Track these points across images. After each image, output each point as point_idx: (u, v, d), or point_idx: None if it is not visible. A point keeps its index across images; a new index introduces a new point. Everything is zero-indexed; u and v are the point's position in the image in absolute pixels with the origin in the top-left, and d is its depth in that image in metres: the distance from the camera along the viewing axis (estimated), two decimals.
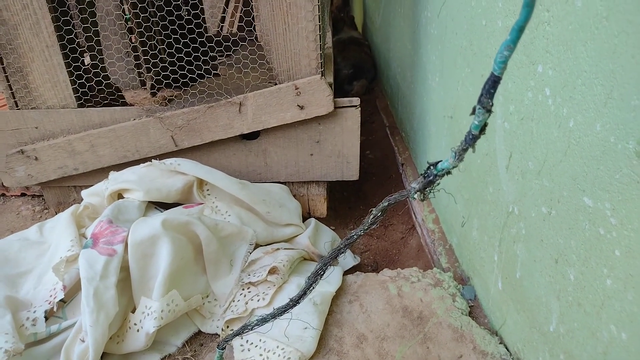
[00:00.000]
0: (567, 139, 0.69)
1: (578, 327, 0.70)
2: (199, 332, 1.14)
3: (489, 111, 0.44)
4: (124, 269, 1.09)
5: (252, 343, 1.04)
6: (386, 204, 0.60)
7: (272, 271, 1.16)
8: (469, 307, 1.12)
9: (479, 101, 0.44)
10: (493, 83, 0.43)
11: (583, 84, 0.64)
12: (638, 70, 0.53)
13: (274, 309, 0.70)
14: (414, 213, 1.59)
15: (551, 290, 0.77)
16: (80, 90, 1.37)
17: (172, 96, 1.50)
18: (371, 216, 0.61)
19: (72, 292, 1.10)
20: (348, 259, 1.41)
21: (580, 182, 0.67)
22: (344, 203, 1.79)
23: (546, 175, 0.76)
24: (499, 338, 1.02)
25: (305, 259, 1.31)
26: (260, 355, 1.01)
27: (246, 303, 1.11)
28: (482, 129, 0.46)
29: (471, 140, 0.47)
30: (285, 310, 0.69)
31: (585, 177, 0.65)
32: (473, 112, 0.45)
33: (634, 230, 0.56)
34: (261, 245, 1.31)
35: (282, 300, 1.12)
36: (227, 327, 1.10)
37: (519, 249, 0.89)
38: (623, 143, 0.57)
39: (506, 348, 0.99)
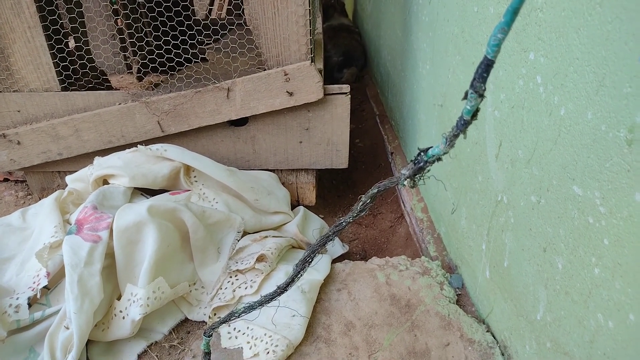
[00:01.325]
0: (558, 127, 0.69)
1: (565, 315, 0.70)
2: (186, 320, 1.13)
3: (482, 96, 0.43)
4: (109, 255, 1.07)
5: (239, 330, 1.03)
6: (375, 190, 0.59)
7: (260, 259, 1.15)
8: (457, 295, 1.13)
9: (472, 85, 0.43)
10: (486, 67, 0.42)
11: (575, 71, 0.63)
12: (631, 57, 0.53)
13: (262, 297, 0.69)
14: (403, 202, 1.59)
15: (539, 278, 0.78)
16: (64, 73, 1.33)
17: (159, 81, 1.47)
18: (360, 203, 0.60)
19: (56, 278, 1.08)
20: (337, 247, 1.40)
21: (570, 171, 0.66)
22: (333, 191, 1.79)
23: (536, 163, 0.76)
24: (486, 326, 1.02)
25: (293, 247, 1.31)
26: (248, 342, 1.00)
27: (233, 291, 1.11)
28: (474, 114, 0.45)
29: (462, 125, 0.46)
30: (272, 298, 0.68)
31: (575, 166, 0.65)
32: (465, 97, 0.44)
33: (623, 219, 0.56)
34: (249, 233, 1.30)
35: (269, 288, 1.11)
36: (214, 314, 1.09)
37: (507, 238, 0.89)
38: (614, 131, 0.56)
39: (493, 336, 0.99)
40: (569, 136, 0.66)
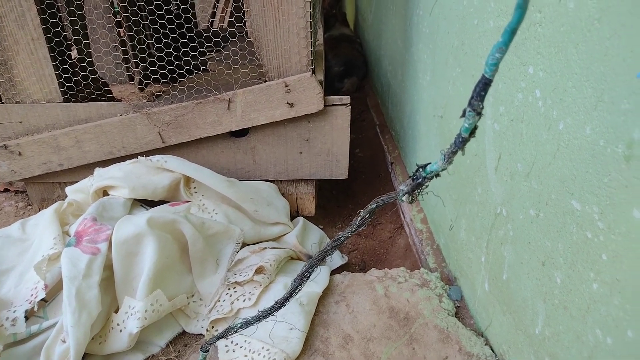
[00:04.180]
0: (557, 141, 0.69)
1: (564, 330, 0.70)
2: (184, 332, 1.12)
3: (480, 114, 0.43)
4: (108, 267, 1.07)
5: (236, 344, 1.03)
6: (374, 205, 0.59)
7: (259, 271, 1.15)
8: (455, 307, 1.12)
9: (470, 104, 0.43)
10: (484, 85, 0.42)
11: (574, 86, 0.64)
12: (629, 73, 0.53)
13: (259, 312, 0.69)
14: (402, 212, 1.59)
15: (537, 292, 0.77)
16: (66, 84, 1.34)
17: (160, 91, 1.48)
18: (359, 218, 0.60)
19: (54, 291, 1.08)
20: (336, 259, 1.40)
21: (568, 185, 0.66)
22: (333, 201, 1.79)
23: (535, 177, 0.76)
24: (484, 339, 1.01)
25: (292, 259, 1.30)
26: (245, 356, 1.00)
27: (232, 303, 1.10)
28: (472, 131, 0.45)
29: (461, 143, 0.46)
30: (270, 313, 0.68)
31: (574, 180, 0.65)
32: (463, 115, 0.44)
33: (622, 235, 0.56)
34: (248, 244, 1.29)
35: (268, 300, 1.11)
36: (212, 327, 1.09)
37: (506, 251, 0.88)
38: (612, 147, 0.56)
39: (492, 349, 0.99)
40: (568, 150, 0.66)
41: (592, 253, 0.62)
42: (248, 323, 0.70)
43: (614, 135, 0.56)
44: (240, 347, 1.02)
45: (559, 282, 0.70)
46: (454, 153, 0.48)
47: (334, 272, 1.26)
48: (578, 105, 0.63)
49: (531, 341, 0.80)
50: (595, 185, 0.60)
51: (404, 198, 0.55)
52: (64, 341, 0.98)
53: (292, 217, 1.47)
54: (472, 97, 0.44)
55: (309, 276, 0.64)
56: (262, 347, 0.99)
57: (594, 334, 0.62)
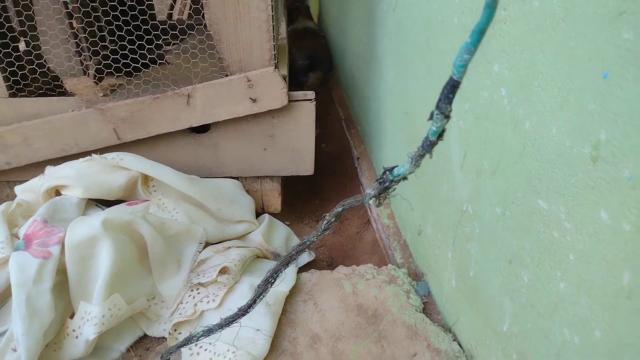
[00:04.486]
0: (523, 140, 0.68)
1: (531, 328, 0.70)
2: (145, 336, 1.08)
3: (448, 117, 0.42)
4: (61, 272, 1.01)
5: (201, 347, 0.99)
6: (340, 209, 0.57)
7: (223, 271, 1.11)
8: (423, 303, 1.12)
9: (437, 106, 0.42)
10: (452, 88, 0.40)
11: (539, 85, 0.63)
12: (595, 74, 0.52)
13: (221, 319, 0.66)
14: (369, 208, 1.58)
15: (505, 290, 0.77)
16: (12, 78, 1.26)
17: (116, 85, 1.41)
18: (324, 222, 0.58)
19: (3, 297, 1.02)
20: (303, 256, 1.38)
21: (535, 185, 0.66)
22: (299, 197, 1.76)
23: (501, 175, 0.76)
24: (452, 335, 1.02)
25: (258, 257, 1.27)
26: (210, 359, 0.96)
27: (195, 305, 1.06)
28: (440, 135, 0.44)
29: (428, 146, 0.45)
30: (233, 320, 0.65)
31: (540, 180, 0.65)
32: (431, 118, 0.43)
33: (589, 235, 0.56)
34: (212, 244, 1.26)
35: (233, 301, 1.08)
36: (175, 330, 1.05)
37: (473, 248, 0.88)
38: (579, 147, 0.56)
39: (460, 345, 0.99)
40: (534, 150, 0.66)
41: (559, 253, 0.62)
42: (210, 331, 0.67)
43: (580, 136, 0.56)
44: (205, 350, 0.98)
45: (526, 281, 0.70)
46: (422, 156, 0.47)
47: (301, 270, 1.24)
48: (544, 104, 0.62)
49: (499, 338, 0.80)
50: (561, 185, 0.60)
51: (370, 201, 0.53)
52: (14, 350, 0.92)
53: (258, 214, 1.44)
54: (439, 100, 0.42)
55: (274, 282, 0.61)
56: (228, 350, 0.96)
57: (562, 333, 0.62)
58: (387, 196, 0.52)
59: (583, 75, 0.54)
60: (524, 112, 0.67)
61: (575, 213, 0.58)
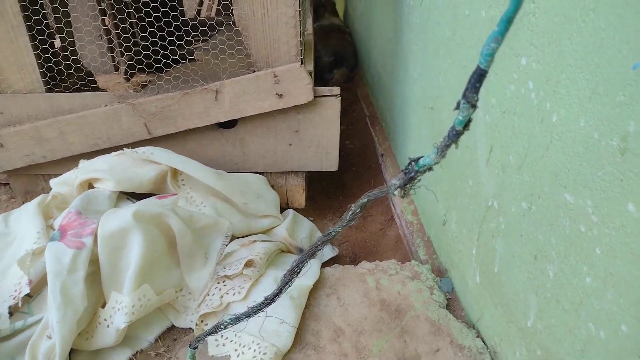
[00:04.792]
0: (550, 133, 0.68)
1: (556, 323, 0.70)
2: (172, 327, 1.11)
3: (474, 106, 0.42)
4: (94, 262, 1.05)
5: (226, 338, 1.01)
6: (365, 200, 0.57)
7: (249, 264, 1.13)
8: (447, 300, 1.12)
9: (464, 95, 0.42)
10: (479, 77, 0.41)
11: (567, 78, 0.63)
12: (625, 65, 0.52)
13: (248, 307, 0.68)
14: (393, 204, 1.58)
15: (529, 285, 0.77)
16: (49, 74, 1.30)
17: (146, 81, 1.45)
18: (350, 212, 0.59)
19: (39, 286, 1.06)
20: (326, 251, 1.39)
21: (561, 178, 0.66)
22: (323, 193, 1.77)
23: (527, 170, 0.75)
24: (475, 331, 1.01)
25: (282, 251, 1.29)
26: (235, 350, 0.99)
27: (221, 297, 1.09)
28: (466, 124, 0.44)
29: (454, 136, 0.45)
30: (260, 309, 0.67)
31: (567, 173, 0.64)
32: (457, 107, 0.43)
33: (616, 229, 0.55)
34: (238, 237, 1.28)
35: (258, 293, 1.10)
36: (202, 321, 1.08)
37: (498, 244, 0.88)
38: (607, 140, 0.55)
39: (483, 342, 0.98)
40: (561, 143, 0.65)
41: (585, 247, 0.61)
42: (237, 319, 0.68)
43: (608, 128, 0.55)
44: (231, 342, 1.01)
45: (551, 276, 0.69)
46: (448, 146, 0.47)
47: (324, 265, 1.25)
48: (572, 97, 0.62)
49: (523, 334, 0.80)
50: (589, 178, 0.59)
51: (395, 192, 0.54)
52: (49, 337, 0.96)
53: (282, 210, 1.46)
54: (466, 89, 0.42)
55: (299, 272, 0.63)
56: (253, 341, 0.98)
57: (587, 328, 0.62)
58: (413, 187, 0.53)
59: (612, 67, 0.54)
60: (551, 105, 0.67)
61: (602, 206, 0.57)
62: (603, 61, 0.55)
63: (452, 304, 1.12)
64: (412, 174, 0.51)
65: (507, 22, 0.37)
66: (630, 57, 0.51)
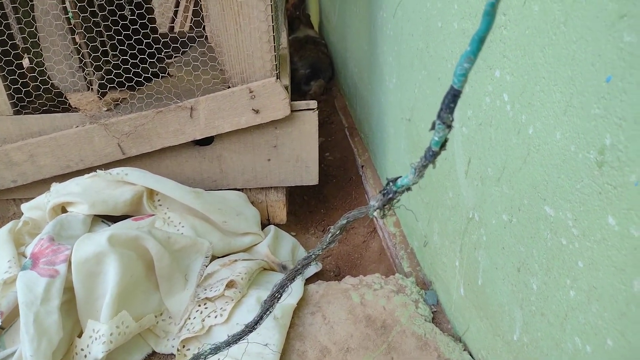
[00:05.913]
0: (527, 146, 0.67)
1: (542, 337, 0.69)
2: (153, 353, 1.07)
3: (450, 126, 0.41)
4: (69, 290, 1.01)
5: None
6: (344, 221, 0.56)
7: (230, 285, 1.11)
8: (432, 312, 1.11)
9: (439, 116, 0.41)
10: (453, 97, 0.40)
11: (542, 90, 0.62)
12: (598, 78, 0.52)
13: (228, 336, 0.65)
14: (375, 216, 1.57)
15: (514, 298, 0.76)
16: (16, 95, 1.27)
17: (120, 99, 1.42)
18: (329, 234, 0.58)
19: (11, 317, 1.02)
20: (310, 267, 1.36)
21: (541, 191, 0.65)
22: (305, 207, 1.75)
23: (506, 182, 0.75)
24: (463, 344, 1.00)
25: (265, 269, 1.27)
26: None
27: (203, 320, 1.06)
28: (443, 144, 0.43)
29: (431, 156, 0.44)
30: (240, 338, 0.65)
31: (546, 186, 0.64)
32: (432, 128, 0.42)
33: (597, 242, 0.55)
34: (218, 257, 1.25)
35: (240, 315, 1.07)
36: (183, 346, 1.04)
37: (480, 256, 0.87)
38: (584, 152, 0.55)
39: (470, 355, 0.97)
40: (539, 155, 0.65)
41: (567, 260, 0.61)
42: (217, 349, 0.66)
43: (584, 141, 0.55)
44: None
45: (535, 289, 0.69)
46: (425, 167, 0.46)
47: (308, 281, 1.23)
48: (547, 109, 0.62)
49: (510, 347, 0.79)
50: (568, 191, 0.59)
51: (375, 213, 0.52)
52: None
53: (263, 226, 1.44)
54: (441, 110, 0.41)
55: (280, 297, 0.61)
56: None
57: (573, 342, 0.61)
58: (392, 207, 0.51)
59: (586, 79, 0.54)
60: (527, 117, 0.67)
61: (582, 219, 0.57)
62: (576, 74, 0.55)
63: (437, 317, 1.11)
64: (391, 195, 0.50)
65: (479, 41, 0.36)
66: (602, 70, 0.51)
